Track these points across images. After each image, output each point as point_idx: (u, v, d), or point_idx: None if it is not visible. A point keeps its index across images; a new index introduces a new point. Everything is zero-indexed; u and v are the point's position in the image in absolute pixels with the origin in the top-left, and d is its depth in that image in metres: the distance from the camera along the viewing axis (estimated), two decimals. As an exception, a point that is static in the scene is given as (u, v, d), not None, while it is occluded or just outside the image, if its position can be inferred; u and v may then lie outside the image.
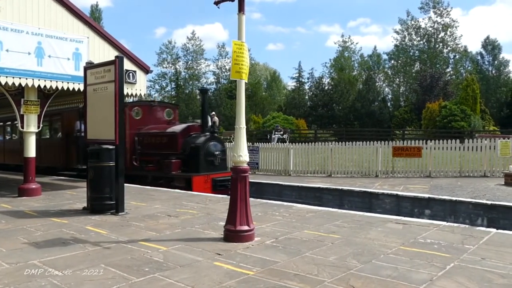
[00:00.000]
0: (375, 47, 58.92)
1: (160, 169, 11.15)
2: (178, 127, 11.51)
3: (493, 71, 53.81)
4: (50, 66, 8.42)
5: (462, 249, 4.37)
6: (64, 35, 8.67)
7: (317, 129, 37.56)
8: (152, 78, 55.69)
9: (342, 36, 67.20)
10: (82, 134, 11.76)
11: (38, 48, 8.27)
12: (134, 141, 11.74)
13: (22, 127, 8.81)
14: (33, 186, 8.85)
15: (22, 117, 8.76)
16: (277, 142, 20.80)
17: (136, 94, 9.83)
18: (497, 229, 5.25)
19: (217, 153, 10.67)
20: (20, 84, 8.09)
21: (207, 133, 10.88)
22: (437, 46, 50.61)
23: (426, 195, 9.41)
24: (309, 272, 3.69)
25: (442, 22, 50.07)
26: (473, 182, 11.53)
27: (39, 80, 8.28)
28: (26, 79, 8.10)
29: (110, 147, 6.80)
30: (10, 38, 7.88)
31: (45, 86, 8.48)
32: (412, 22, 51.29)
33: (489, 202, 8.44)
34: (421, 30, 51.04)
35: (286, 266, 3.88)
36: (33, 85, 8.28)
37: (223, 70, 56.68)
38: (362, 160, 14.27)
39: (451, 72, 49.06)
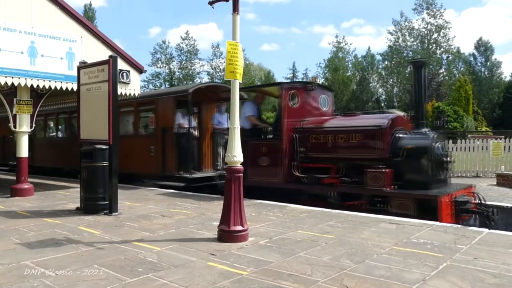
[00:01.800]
0: (369, 48, 59.39)
1: (349, 182, 7.55)
2: (377, 120, 7.59)
3: (486, 72, 54.29)
4: (43, 65, 8.36)
5: (455, 249, 4.40)
6: (57, 34, 8.62)
7: None
8: (146, 78, 55.60)
9: (336, 36, 67.56)
10: (189, 128, 10.27)
11: (31, 47, 8.22)
12: (293, 140, 8.07)
13: (15, 127, 8.74)
14: (26, 186, 8.78)
15: (14, 117, 8.70)
16: None
17: (129, 94, 9.79)
18: (489, 229, 5.29)
19: (447, 159, 7.30)
20: (12, 84, 8.03)
21: (427, 129, 7.30)
22: (430, 47, 50.96)
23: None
24: (303, 272, 3.69)
25: (436, 23, 50.45)
26: (465, 183, 11.61)
27: (32, 79, 8.22)
28: (19, 78, 8.04)
29: (104, 147, 6.78)
30: (2, 37, 7.82)
31: (38, 85, 8.42)
32: (406, 23, 51.64)
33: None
34: (414, 31, 51.40)
35: (280, 266, 3.88)
36: (25, 85, 8.22)
37: (218, 70, 56.66)
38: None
39: (444, 73, 49.39)
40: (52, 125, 15.93)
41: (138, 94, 10.10)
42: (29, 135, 8.61)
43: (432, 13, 50.13)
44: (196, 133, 10.79)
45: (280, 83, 8.89)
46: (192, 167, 10.30)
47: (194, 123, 10.85)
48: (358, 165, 7.42)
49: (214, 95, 11.57)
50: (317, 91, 9.04)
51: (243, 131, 8.41)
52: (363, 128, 7.53)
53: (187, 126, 10.31)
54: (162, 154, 10.50)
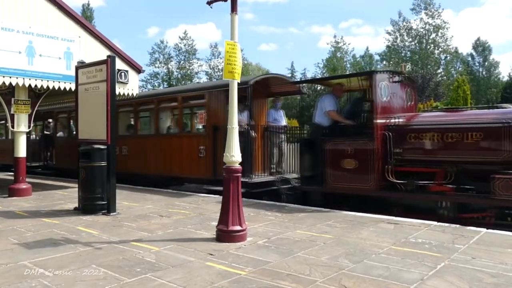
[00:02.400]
0: (367, 48, 59.34)
1: (463, 189, 6.37)
2: (501, 115, 6.21)
3: (484, 72, 54.38)
4: (41, 65, 8.34)
5: (453, 249, 4.40)
6: (56, 34, 8.60)
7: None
8: (145, 78, 55.43)
9: (335, 36, 67.35)
10: (249, 126, 9.01)
11: (29, 47, 8.20)
12: (385, 139, 6.89)
13: (13, 127, 8.73)
14: (24, 186, 8.77)
15: (12, 116, 8.68)
16: None
17: (128, 94, 9.78)
18: (487, 229, 5.30)
19: None
20: (10, 84, 8.01)
21: None
22: (428, 47, 50.99)
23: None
24: (301, 272, 3.70)
25: (434, 23, 50.46)
26: None
27: (30, 79, 8.20)
28: (17, 78, 8.02)
29: (102, 147, 6.78)
30: (0, 37, 7.80)
31: (36, 85, 8.40)
32: (404, 23, 51.65)
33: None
34: (412, 31, 51.40)
35: (278, 266, 3.88)
36: (23, 84, 8.20)
37: (216, 70, 56.56)
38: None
39: (442, 73, 49.43)
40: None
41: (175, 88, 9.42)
42: (50, 135, 8.41)
43: (430, 13, 50.17)
44: (253, 132, 9.47)
45: (371, 72, 7.81)
46: (251, 170, 8.91)
47: (251, 120, 9.69)
48: (475, 170, 6.30)
49: (265, 88, 10.40)
50: (404, 82, 7.91)
51: (320, 128, 7.84)
52: (483, 125, 6.18)
53: (245, 124, 9.05)
54: (213, 155, 9.24)
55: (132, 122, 12.39)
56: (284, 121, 10.27)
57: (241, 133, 8.93)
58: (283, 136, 9.95)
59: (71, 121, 13.73)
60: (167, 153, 10.32)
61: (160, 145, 10.65)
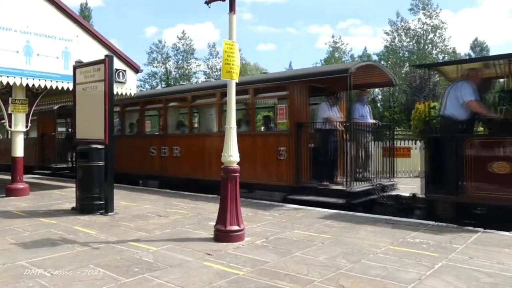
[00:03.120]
0: (365, 48, 59.55)
1: None
2: None
3: (481, 73, 54.44)
4: (39, 64, 8.32)
5: (450, 249, 4.41)
6: (53, 33, 8.58)
7: None
8: (143, 77, 55.36)
9: (333, 36, 67.52)
10: (347, 123, 7.83)
11: (27, 46, 8.18)
12: None
13: (10, 126, 8.70)
14: (21, 186, 8.74)
15: (10, 116, 8.66)
16: None
17: (126, 94, 9.76)
18: (484, 229, 5.31)
19: None
20: (8, 83, 7.99)
21: None
22: (426, 47, 51.07)
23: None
24: (299, 272, 3.70)
25: (431, 24, 50.55)
26: None
27: (27, 78, 8.18)
28: (14, 77, 7.99)
29: (100, 146, 6.76)
30: (-3, 36, 7.79)
31: (33, 85, 8.38)
32: (402, 24, 51.70)
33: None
34: (410, 32, 51.46)
35: (276, 266, 3.88)
36: (21, 84, 8.17)
37: (214, 70, 56.52)
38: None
39: (440, 73, 49.49)
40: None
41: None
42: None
43: (428, 14, 50.26)
44: (345, 131, 7.95)
45: None
46: (349, 176, 7.59)
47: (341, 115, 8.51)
48: None
49: (335, 82, 8.76)
50: None
51: (455, 123, 6.27)
52: None
53: (338, 121, 7.96)
54: (296, 157, 7.91)
55: (182, 119, 11.19)
56: (371, 118, 8.90)
57: (330, 133, 7.86)
58: (370, 136, 8.48)
59: (114, 116, 11.71)
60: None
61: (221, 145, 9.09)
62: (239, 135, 8.70)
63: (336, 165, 8.13)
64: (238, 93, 8.83)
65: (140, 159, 11.14)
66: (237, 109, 10.18)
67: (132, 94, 9.92)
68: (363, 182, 7.96)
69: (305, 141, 7.99)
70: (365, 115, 8.67)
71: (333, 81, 8.14)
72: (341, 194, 7.37)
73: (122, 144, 11.19)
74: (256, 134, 8.97)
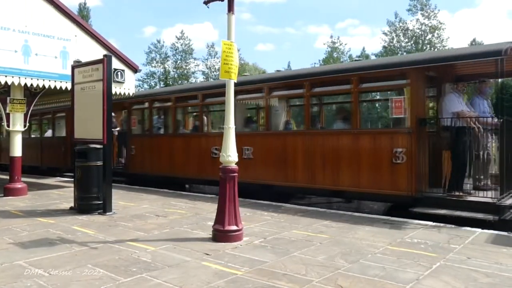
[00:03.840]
0: (363, 48, 59.58)
1: None
2: None
3: (480, 73, 54.52)
4: (37, 64, 8.31)
5: (448, 249, 4.42)
6: (52, 33, 8.57)
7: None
8: (141, 77, 55.27)
9: (331, 37, 67.65)
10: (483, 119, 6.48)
11: (25, 46, 8.16)
12: None
13: (8, 126, 8.69)
14: (19, 186, 8.73)
15: (8, 116, 8.64)
16: None
17: (124, 93, 9.74)
18: (482, 229, 5.32)
19: None
20: (6, 83, 7.97)
21: None
22: (424, 48, 51.12)
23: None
24: (297, 272, 3.70)
25: (430, 24, 50.63)
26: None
27: (25, 78, 8.16)
28: (12, 77, 7.98)
29: (98, 146, 6.76)
30: (-4, 36, 7.78)
31: (31, 84, 8.36)
32: (400, 24, 51.77)
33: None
34: (409, 32, 51.54)
35: (274, 266, 3.88)
36: (19, 83, 8.16)
37: (213, 70, 56.48)
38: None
39: (439, 73, 49.55)
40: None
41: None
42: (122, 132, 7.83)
43: (426, 14, 50.34)
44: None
45: None
46: (501, 185, 6.15)
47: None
48: None
49: (453, 69, 7.44)
50: None
51: None
52: None
53: (472, 115, 6.54)
54: (418, 161, 6.49)
55: (249, 115, 9.89)
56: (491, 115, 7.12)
57: (463, 130, 6.34)
58: (493, 137, 7.08)
59: (154, 112, 10.99)
60: (329, 157, 7.36)
61: (316, 145, 7.54)
62: (337, 134, 7.46)
63: (467, 171, 6.76)
64: (333, 83, 7.53)
65: (197, 161, 9.61)
66: (324, 103, 8.88)
67: (131, 94, 9.89)
68: (488, 192, 6.27)
69: (429, 141, 6.76)
70: (486, 111, 7.06)
71: (450, 69, 6.93)
72: (486, 208, 5.88)
73: (162, 144, 10.21)
74: (360, 132, 7.27)
